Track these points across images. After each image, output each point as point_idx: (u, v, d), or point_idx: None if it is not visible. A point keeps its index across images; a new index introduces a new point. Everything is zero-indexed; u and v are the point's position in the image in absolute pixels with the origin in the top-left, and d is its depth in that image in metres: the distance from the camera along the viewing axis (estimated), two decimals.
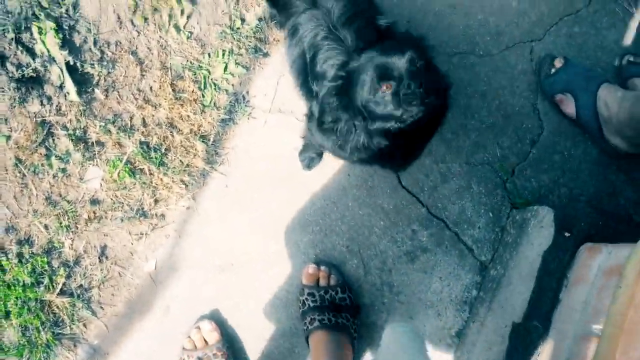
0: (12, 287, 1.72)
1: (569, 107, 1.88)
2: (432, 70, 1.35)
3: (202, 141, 1.85)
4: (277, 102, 1.92)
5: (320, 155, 1.86)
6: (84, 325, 1.79)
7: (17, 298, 1.72)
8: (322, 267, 1.81)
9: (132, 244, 1.82)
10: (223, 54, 1.88)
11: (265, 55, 1.93)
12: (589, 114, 1.85)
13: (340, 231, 1.87)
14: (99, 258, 1.79)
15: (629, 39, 1.99)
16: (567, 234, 1.69)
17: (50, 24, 1.74)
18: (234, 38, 1.90)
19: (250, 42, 1.91)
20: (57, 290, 1.75)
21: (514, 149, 1.91)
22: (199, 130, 1.86)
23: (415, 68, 1.23)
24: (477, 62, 1.96)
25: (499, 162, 1.90)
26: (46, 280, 1.74)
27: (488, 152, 1.91)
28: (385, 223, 1.88)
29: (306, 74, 1.54)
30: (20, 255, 1.74)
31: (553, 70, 1.91)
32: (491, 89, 1.94)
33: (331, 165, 1.89)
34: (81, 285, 1.79)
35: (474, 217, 1.88)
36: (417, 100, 1.21)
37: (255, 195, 1.87)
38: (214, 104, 1.88)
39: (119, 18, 1.82)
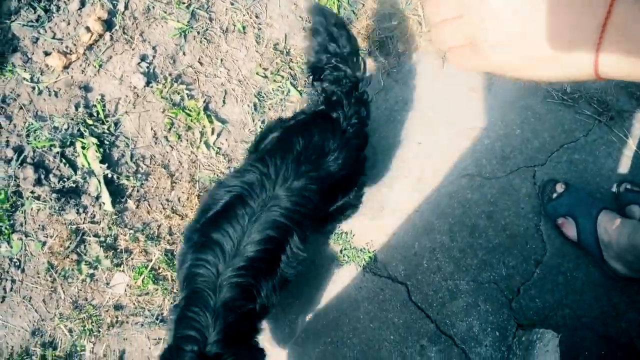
0: None
1: (571, 230, 1.99)
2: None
3: None
4: None
5: None
6: None
7: None
8: None
9: (149, 348, 1.89)
10: None
11: None
12: (590, 238, 1.95)
13: (351, 344, 1.93)
14: None
15: (625, 167, 2.13)
16: None
17: (93, 140, 1.90)
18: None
19: None
20: None
21: (519, 268, 2.01)
22: None
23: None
24: (484, 183, 2.09)
25: (504, 281, 1.99)
26: None
27: (495, 271, 2.00)
28: (395, 337, 1.94)
29: None
30: (43, 358, 1.81)
31: (555, 195, 2.04)
32: (497, 210, 2.06)
33: (343, 277, 1.98)
34: None
35: (481, 335, 1.94)
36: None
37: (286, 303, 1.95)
38: None
39: (155, 135, 1.98)
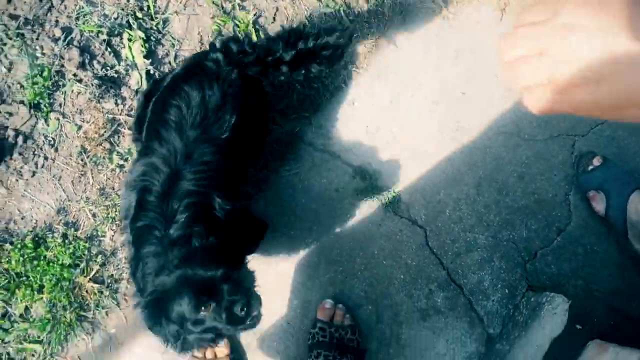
0: (51, 264, 1.84)
1: (600, 205, 1.96)
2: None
3: None
4: (328, 142, 2.04)
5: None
6: (106, 313, 1.89)
7: (53, 275, 1.84)
8: (339, 306, 1.89)
9: None
10: (288, 90, 2.02)
11: (325, 99, 2.06)
12: (618, 215, 1.93)
13: (362, 276, 1.96)
14: None
15: None
16: (578, 327, 1.76)
17: (140, 34, 1.90)
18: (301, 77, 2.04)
19: (315, 83, 2.04)
20: (90, 276, 1.86)
21: (541, 233, 2.00)
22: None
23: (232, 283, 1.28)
24: (520, 144, 2.06)
25: (523, 242, 1.99)
26: (83, 264, 1.85)
27: (515, 231, 1.99)
28: (405, 277, 1.96)
29: None
30: (64, 237, 1.86)
31: (591, 167, 2.00)
32: (529, 173, 2.03)
33: (364, 211, 1.99)
34: (112, 275, 1.89)
35: (490, 290, 1.96)
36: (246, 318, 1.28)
37: (294, 226, 1.98)
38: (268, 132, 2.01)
39: (201, 39, 1.97)
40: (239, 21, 1.99)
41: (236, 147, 1.48)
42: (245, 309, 1.26)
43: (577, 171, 2.04)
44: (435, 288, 1.96)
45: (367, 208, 2.00)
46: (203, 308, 1.25)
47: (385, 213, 2.00)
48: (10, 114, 1.83)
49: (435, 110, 2.05)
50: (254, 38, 1.98)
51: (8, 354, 1.83)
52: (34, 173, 1.86)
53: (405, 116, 2.05)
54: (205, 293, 1.25)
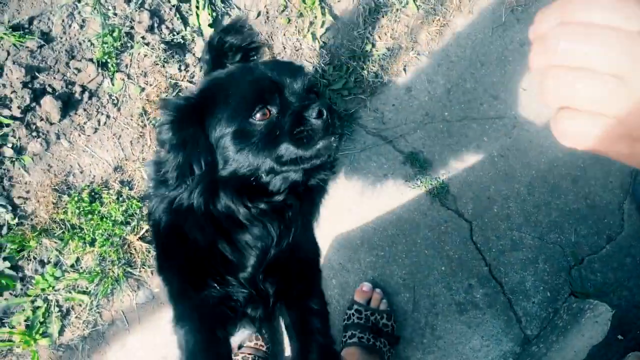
0: (104, 220, 1.90)
1: None
2: None
3: None
4: (381, 126, 2.03)
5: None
6: (152, 272, 1.95)
7: (105, 230, 1.90)
8: (377, 290, 1.91)
9: None
10: (347, 70, 2.02)
11: (383, 83, 2.05)
12: None
13: (402, 263, 1.96)
14: None
15: None
16: (620, 337, 1.73)
17: (208, 2, 1.92)
18: (360, 59, 2.04)
19: (373, 66, 2.04)
20: (140, 235, 1.92)
21: (590, 239, 1.96)
22: None
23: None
24: None
25: (571, 247, 1.95)
26: (134, 223, 1.91)
27: (564, 235, 1.96)
28: (446, 269, 1.96)
29: None
30: (119, 194, 1.92)
31: None
32: (584, 177, 1.99)
33: (411, 199, 1.99)
34: None
35: (531, 291, 1.94)
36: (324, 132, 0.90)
37: (347, 208, 1.99)
38: None
39: (267, 13, 1.98)
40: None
41: None
42: (323, 116, 0.88)
43: (634, 180, 1.98)
44: (476, 283, 1.95)
45: (414, 196, 1.99)
46: (258, 109, 0.91)
47: (432, 203, 1.99)
48: (79, 70, 1.89)
49: (493, 104, 2.02)
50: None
51: (57, 301, 1.91)
52: (95, 130, 1.92)
53: (462, 107, 2.02)
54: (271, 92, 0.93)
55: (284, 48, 2.01)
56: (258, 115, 0.91)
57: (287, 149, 0.92)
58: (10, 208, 1.83)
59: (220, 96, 0.95)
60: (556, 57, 0.40)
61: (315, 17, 2.00)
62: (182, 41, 1.93)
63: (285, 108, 0.92)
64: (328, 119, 0.89)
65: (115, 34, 1.87)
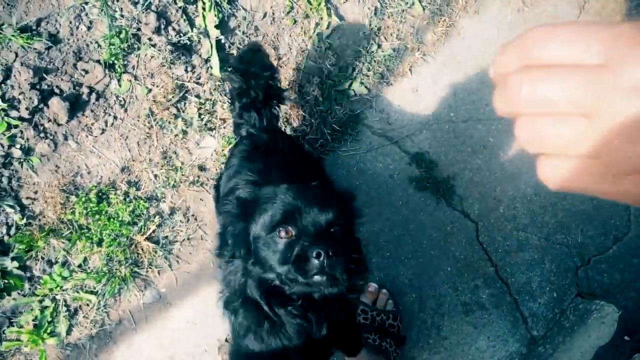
0: (112, 220, 1.91)
1: None
2: (350, 244, 1.18)
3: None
4: (387, 127, 2.04)
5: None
6: (159, 272, 1.96)
7: (112, 230, 1.91)
8: (383, 290, 1.91)
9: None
10: (353, 71, 2.02)
11: (388, 84, 2.05)
12: None
13: (408, 264, 1.96)
14: (189, 218, 1.96)
15: None
16: (626, 338, 1.72)
17: (214, 3, 1.93)
18: (366, 60, 2.04)
19: (379, 67, 2.04)
20: (147, 235, 1.93)
21: (596, 240, 1.95)
22: (308, 133, 2.01)
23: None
24: None
25: (577, 247, 1.95)
26: (141, 223, 1.92)
27: (570, 236, 1.96)
28: (452, 270, 1.96)
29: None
30: (126, 195, 1.93)
31: None
32: None
33: (417, 200, 1.99)
34: (167, 236, 1.96)
35: (537, 292, 1.93)
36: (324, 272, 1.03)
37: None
38: (330, 112, 2.02)
39: (273, 14, 1.99)
40: (311, 2, 1.99)
41: None
42: (320, 257, 1.02)
43: None
44: (482, 284, 1.95)
45: (420, 197, 2.00)
46: (281, 228, 1.08)
47: (438, 204, 2.00)
48: (86, 72, 1.90)
49: None
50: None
51: (65, 301, 1.92)
52: (103, 130, 1.93)
53: (468, 108, 2.02)
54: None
55: (290, 49, 2.01)
56: (281, 234, 1.08)
57: (288, 270, 1.07)
58: (18, 208, 1.84)
59: (261, 206, 1.13)
60: (520, 105, 0.38)
61: (321, 18, 2.00)
62: (189, 42, 1.94)
63: (303, 235, 1.07)
64: (324, 262, 1.01)
65: (122, 36, 1.88)
